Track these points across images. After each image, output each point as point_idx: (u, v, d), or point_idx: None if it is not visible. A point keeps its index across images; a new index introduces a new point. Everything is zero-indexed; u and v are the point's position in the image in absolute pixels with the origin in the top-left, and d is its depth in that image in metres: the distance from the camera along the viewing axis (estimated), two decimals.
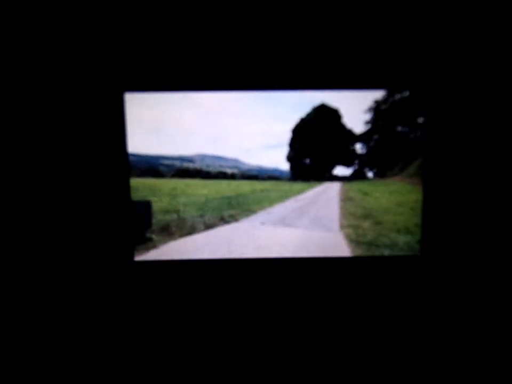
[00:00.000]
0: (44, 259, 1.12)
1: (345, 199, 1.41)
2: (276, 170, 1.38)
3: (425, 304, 1.18)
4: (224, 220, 1.39)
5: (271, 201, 1.52)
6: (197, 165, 1.39)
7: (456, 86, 1.09)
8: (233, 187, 1.43)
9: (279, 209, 1.48)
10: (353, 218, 1.38)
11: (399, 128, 1.22)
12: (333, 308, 1.19)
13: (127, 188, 1.12)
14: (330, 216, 1.41)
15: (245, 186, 1.44)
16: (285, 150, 1.31)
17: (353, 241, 1.31)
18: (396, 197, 1.32)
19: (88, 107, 1.08)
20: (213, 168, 1.40)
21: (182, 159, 1.36)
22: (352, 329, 1.18)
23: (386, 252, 1.25)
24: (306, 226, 1.38)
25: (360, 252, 1.26)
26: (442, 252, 1.16)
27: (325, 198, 1.42)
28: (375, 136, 1.24)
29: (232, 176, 1.43)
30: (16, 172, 1.08)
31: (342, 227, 1.35)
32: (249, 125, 1.32)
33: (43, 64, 1.06)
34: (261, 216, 1.45)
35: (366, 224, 1.34)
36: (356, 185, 1.32)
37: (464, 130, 1.10)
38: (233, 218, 1.40)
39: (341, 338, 1.17)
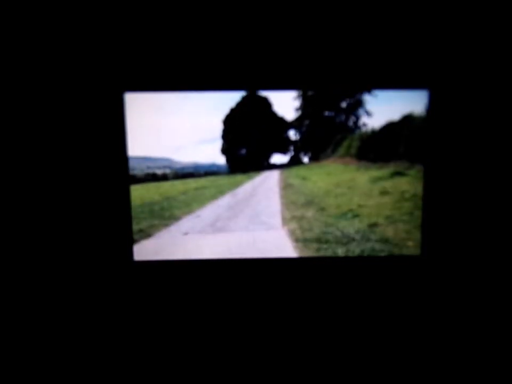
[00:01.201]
0: (43, 259, 1.12)
1: (285, 187, 1.40)
2: (213, 165, 1.32)
3: (426, 305, 1.18)
4: None
5: (203, 201, 1.38)
6: None
7: (457, 86, 1.10)
8: (163, 190, 1.30)
9: (212, 210, 1.33)
10: (296, 207, 1.36)
11: (326, 113, 1.30)
12: (332, 308, 1.19)
13: (126, 187, 1.13)
14: (271, 209, 1.34)
15: (178, 186, 1.33)
16: (220, 143, 1.26)
17: (299, 239, 1.24)
18: (332, 178, 1.40)
19: (88, 107, 1.09)
20: (139, 171, 1.26)
21: None
22: (352, 330, 1.18)
23: (339, 251, 1.21)
24: (242, 227, 1.25)
25: (309, 252, 1.22)
26: (443, 251, 1.15)
27: (265, 188, 1.36)
28: (306, 122, 1.29)
29: (164, 177, 1.31)
30: (16, 172, 1.08)
31: (285, 221, 1.30)
32: (177, 121, 1.23)
33: (43, 64, 1.06)
34: (186, 222, 1.29)
35: (310, 213, 1.32)
36: (294, 171, 1.36)
37: (465, 128, 1.11)
38: (144, 234, 1.20)
39: (341, 339, 1.18)
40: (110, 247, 1.14)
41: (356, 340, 1.20)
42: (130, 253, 1.16)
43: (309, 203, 1.36)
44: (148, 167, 1.31)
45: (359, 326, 1.20)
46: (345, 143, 1.31)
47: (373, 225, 1.29)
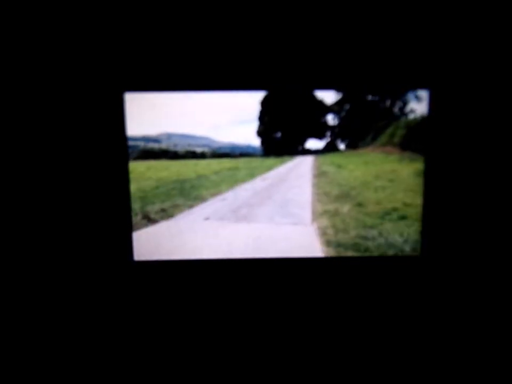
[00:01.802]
0: (42, 259, 1.13)
1: (318, 174, 1.32)
2: (248, 147, 1.35)
3: (426, 306, 1.19)
4: (149, 219, 1.16)
5: (233, 183, 1.34)
6: (163, 145, 1.34)
7: (458, 85, 1.10)
8: (200, 167, 1.34)
9: (239, 193, 1.28)
10: (329, 200, 1.24)
11: (369, 97, 1.23)
12: (332, 308, 1.21)
13: (126, 187, 1.14)
14: (301, 199, 1.24)
15: (213, 165, 1.36)
16: (256, 125, 1.29)
17: (331, 243, 1.14)
18: (371, 168, 1.33)
19: (88, 107, 1.09)
20: (181, 148, 1.36)
21: (146, 139, 1.31)
22: (351, 330, 1.20)
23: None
24: (267, 217, 1.17)
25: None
26: (443, 252, 1.16)
27: (296, 174, 1.28)
28: (346, 106, 1.24)
29: (203, 155, 1.39)
30: (15, 172, 1.09)
31: (316, 216, 1.20)
32: (216, 99, 1.28)
33: (43, 64, 1.07)
34: (210, 205, 1.25)
35: (345, 208, 1.21)
36: (329, 158, 1.33)
37: (466, 128, 1.11)
38: (165, 215, 1.18)
39: (340, 340, 1.20)
40: (110, 246, 1.15)
41: (355, 339, 1.20)
42: (130, 253, 1.16)
43: (344, 195, 1.23)
44: (189, 145, 1.40)
45: (358, 326, 1.20)
46: (388, 131, 1.23)
47: None
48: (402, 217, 1.16)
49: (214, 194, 1.35)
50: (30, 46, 1.05)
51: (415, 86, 1.11)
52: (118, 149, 1.13)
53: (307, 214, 1.21)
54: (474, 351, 1.15)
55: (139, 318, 1.18)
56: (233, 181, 1.39)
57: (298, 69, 1.12)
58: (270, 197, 1.28)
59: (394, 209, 1.18)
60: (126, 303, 1.17)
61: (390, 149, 1.25)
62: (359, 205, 1.22)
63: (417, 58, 1.08)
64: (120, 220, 1.14)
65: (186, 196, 1.31)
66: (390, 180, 1.24)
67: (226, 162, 1.38)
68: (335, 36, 1.09)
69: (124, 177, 1.14)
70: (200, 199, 1.30)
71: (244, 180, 1.37)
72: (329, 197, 1.25)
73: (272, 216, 1.21)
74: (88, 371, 1.14)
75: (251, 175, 1.36)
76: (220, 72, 1.13)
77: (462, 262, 1.16)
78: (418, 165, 1.29)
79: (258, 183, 1.33)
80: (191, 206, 1.26)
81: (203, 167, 1.36)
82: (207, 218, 1.23)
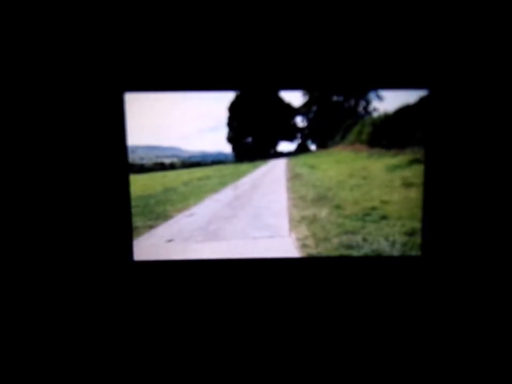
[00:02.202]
0: (42, 259, 1.14)
1: (293, 177, 1.32)
2: (220, 154, 1.33)
3: (426, 306, 1.19)
4: None
5: (203, 194, 1.28)
6: (129, 159, 1.28)
7: (457, 86, 1.10)
8: (168, 179, 1.29)
9: (209, 206, 1.21)
10: (306, 204, 1.21)
11: (335, 98, 1.26)
12: (332, 308, 1.20)
13: (126, 187, 1.15)
14: (276, 206, 1.19)
15: (183, 176, 1.32)
16: (226, 131, 1.27)
17: (313, 255, 1.10)
18: (343, 167, 1.36)
19: (88, 107, 1.10)
20: (148, 160, 1.31)
21: None
22: (352, 330, 1.20)
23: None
24: (240, 231, 1.08)
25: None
26: (444, 252, 1.15)
27: (270, 179, 1.26)
28: (314, 108, 1.26)
29: (172, 166, 1.35)
30: (15, 172, 1.10)
31: (293, 224, 1.15)
32: (183, 109, 1.25)
33: (43, 64, 1.07)
34: (175, 223, 1.17)
35: (323, 212, 1.17)
36: (301, 159, 1.34)
37: (465, 128, 1.12)
38: None
39: (341, 340, 1.19)
40: (109, 246, 1.15)
41: (356, 340, 1.20)
42: (130, 253, 1.17)
43: (321, 198, 1.20)
44: (157, 156, 1.35)
45: (359, 327, 1.21)
46: (355, 129, 1.27)
47: (411, 233, 1.16)
48: (383, 217, 1.14)
49: (180, 210, 1.26)
50: (30, 46, 1.06)
51: (414, 86, 1.11)
52: (118, 149, 1.13)
53: (284, 223, 1.16)
54: (475, 351, 1.16)
55: (139, 317, 1.18)
56: (203, 191, 1.33)
57: (297, 69, 1.13)
58: (243, 207, 1.20)
59: (373, 208, 1.17)
60: (126, 303, 1.17)
61: (358, 147, 1.29)
62: (337, 207, 1.20)
63: (416, 59, 1.09)
64: (120, 220, 1.15)
65: (148, 214, 1.21)
66: (363, 177, 1.26)
67: (197, 172, 1.34)
68: (335, 37, 1.10)
69: (123, 177, 1.14)
70: (163, 217, 1.21)
71: (215, 189, 1.31)
72: (305, 201, 1.22)
73: (246, 229, 1.12)
74: (88, 371, 1.14)
75: (223, 184, 1.31)
76: (219, 72, 1.13)
77: (463, 262, 1.16)
78: (387, 160, 1.33)
79: (230, 192, 1.26)
80: (151, 227, 1.17)
81: (172, 178, 1.31)
82: (170, 241, 1.15)
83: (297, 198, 1.23)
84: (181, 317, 1.20)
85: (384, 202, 1.15)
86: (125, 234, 1.16)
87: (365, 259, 1.20)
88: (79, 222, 1.14)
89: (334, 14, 1.09)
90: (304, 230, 1.15)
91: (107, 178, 1.14)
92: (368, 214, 1.18)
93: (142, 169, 1.27)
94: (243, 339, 1.20)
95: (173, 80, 1.13)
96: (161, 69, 1.11)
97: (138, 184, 1.21)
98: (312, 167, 1.39)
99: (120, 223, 1.15)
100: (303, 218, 1.17)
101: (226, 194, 1.26)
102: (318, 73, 1.13)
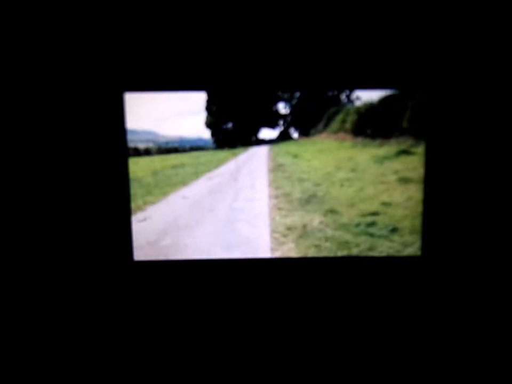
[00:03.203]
0: (42, 259, 1.15)
1: (275, 168, 1.24)
2: (199, 139, 1.29)
3: (426, 306, 1.20)
4: None
5: (169, 187, 1.11)
6: None
7: (455, 86, 1.12)
8: (138, 167, 1.21)
9: (171, 205, 1.02)
10: (291, 206, 1.06)
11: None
12: (332, 309, 1.22)
13: (126, 187, 1.17)
14: (255, 207, 1.03)
15: (156, 163, 1.25)
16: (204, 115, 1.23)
17: None
18: (327, 157, 1.34)
19: (88, 107, 1.12)
20: None
21: None
22: (352, 331, 1.21)
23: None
24: (200, 249, 0.91)
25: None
26: (444, 252, 1.17)
27: (249, 168, 1.14)
28: (296, 94, 1.23)
29: (147, 152, 1.30)
30: (15, 172, 1.11)
31: (276, 239, 1.01)
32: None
33: (43, 64, 1.09)
34: None
35: (316, 219, 1.03)
36: (284, 147, 1.32)
37: (465, 127, 1.13)
38: None
39: (341, 340, 1.21)
40: (109, 246, 1.17)
41: (356, 340, 1.22)
42: (130, 253, 1.19)
43: (309, 197, 1.07)
44: (131, 141, 1.30)
45: (359, 327, 1.22)
46: (339, 117, 1.25)
47: None
48: (393, 229, 1.06)
49: (135, 211, 1.08)
50: (31, 46, 1.07)
51: (413, 87, 1.12)
52: (117, 149, 1.15)
53: (263, 235, 0.96)
54: (475, 351, 1.17)
55: (139, 317, 1.20)
56: (171, 184, 1.15)
57: (297, 69, 1.13)
58: (212, 207, 1.01)
59: (375, 214, 1.07)
60: (126, 303, 1.19)
61: (342, 136, 1.28)
62: (332, 211, 1.06)
63: (415, 59, 1.10)
64: (119, 220, 1.16)
65: None
66: (351, 169, 1.19)
67: (172, 159, 1.30)
68: (334, 37, 1.11)
69: (123, 177, 1.15)
70: None
71: (185, 181, 1.14)
72: (291, 201, 1.05)
73: (209, 246, 0.92)
74: (88, 371, 1.16)
75: (196, 174, 1.16)
76: (219, 72, 1.14)
77: (463, 262, 1.17)
78: (373, 151, 1.33)
79: (201, 185, 1.09)
80: None
81: (142, 166, 1.22)
82: None
83: (280, 196, 1.06)
84: (181, 317, 1.21)
85: (385, 204, 1.04)
86: (125, 234, 1.17)
87: (365, 259, 1.20)
88: (79, 222, 1.15)
89: (334, 14, 1.10)
90: (291, 250, 0.92)
91: (107, 178, 1.15)
92: (372, 224, 1.06)
93: None
94: (242, 339, 1.22)
95: (172, 80, 1.15)
96: (161, 69, 1.13)
97: None
98: (295, 156, 1.37)
99: (120, 223, 1.17)
100: (289, 228, 0.98)
101: (196, 188, 1.11)
102: (317, 74, 1.14)
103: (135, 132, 1.27)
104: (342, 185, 1.13)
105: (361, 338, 1.22)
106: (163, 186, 1.15)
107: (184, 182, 1.15)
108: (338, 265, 1.21)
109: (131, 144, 1.29)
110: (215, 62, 1.13)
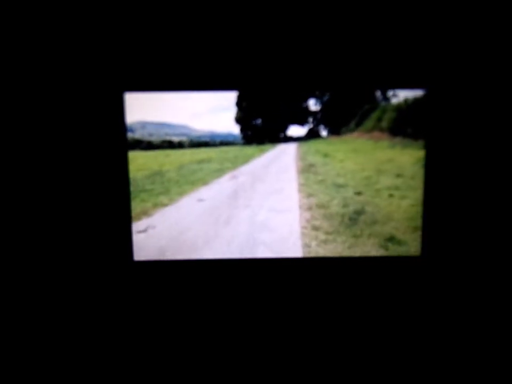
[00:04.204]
0: (42, 259, 1.17)
1: (305, 168, 1.17)
2: (229, 135, 1.34)
3: (426, 306, 1.22)
4: None
5: (189, 186, 1.07)
6: (137, 135, 1.35)
7: (455, 85, 1.11)
8: (169, 159, 1.27)
9: (182, 211, 0.92)
10: (331, 224, 0.89)
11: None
12: (332, 309, 1.23)
13: (126, 187, 1.18)
14: (282, 224, 0.85)
15: (186, 156, 1.30)
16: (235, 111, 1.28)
17: None
18: (363, 158, 1.28)
19: (88, 107, 1.14)
20: (157, 137, 1.36)
21: None
22: (352, 331, 1.22)
23: None
24: None
25: None
26: (444, 251, 1.19)
27: (278, 167, 1.08)
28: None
29: (180, 145, 1.39)
30: (14, 173, 1.14)
31: None
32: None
33: (43, 64, 1.11)
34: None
35: (372, 253, 0.87)
36: (313, 146, 1.30)
37: (464, 127, 1.13)
38: None
39: (340, 340, 1.22)
40: (109, 246, 1.19)
41: (355, 340, 1.22)
42: (130, 253, 1.20)
43: (354, 212, 0.86)
44: (166, 134, 1.40)
45: (359, 327, 1.23)
46: (374, 115, 1.19)
47: None
48: None
49: (139, 215, 1.02)
50: (31, 46, 1.09)
51: (413, 86, 1.12)
52: (117, 149, 1.17)
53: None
54: (475, 351, 1.18)
55: (139, 317, 1.22)
56: (190, 181, 1.12)
57: (296, 69, 1.14)
58: (229, 218, 0.85)
59: None
60: (126, 303, 1.21)
61: (377, 135, 1.21)
62: (392, 240, 0.86)
63: (415, 58, 1.10)
64: (119, 220, 1.18)
65: None
66: (396, 174, 1.07)
67: (201, 153, 1.36)
68: (333, 36, 1.11)
69: (123, 177, 1.18)
70: None
71: (206, 179, 1.07)
72: (330, 216, 0.84)
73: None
74: (88, 371, 1.18)
75: (220, 171, 1.13)
76: (219, 72, 1.16)
77: (463, 262, 1.18)
78: (415, 152, 1.24)
79: (223, 185, 1.01)
80: None
81: (173, 159, 1.29)
82: None
83: (315, 208, 0.88)
84: (181, 317, 1.23)
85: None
86: (125, 234, 1.19)
87: (365, 259, 1.20)
88: (79, 222, 1.17)
89: (335, 14, 1.09)
90: None
91: (107, 178, 1.17)
92: None
93: (149, 146, 1.33)
94: (243, 339, 1.24)
95: (173, 80, 1.16)
96: (161, 69, 1.14)
97: (137, 162, 1.23)
98: (325, 155, 1.34)
99: (120, 223, 1.18)
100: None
101: (217, 188, 1.03)
102: (317, 73, 1.13)
103: (171, 126, 1.37)
104: (390, 195, 1.04)
105: (361, 338, 1.22)
106: (182, 184, 1.11)
107: (205, 180, 1.09)
108: (338, 265, 1.21)
109: (166, 138, 1.39)
110: (216, 62, 1.14)
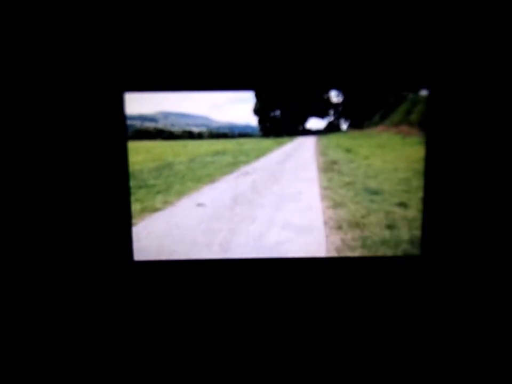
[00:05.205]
0: (42, 259, 1.20)
1: (327, 166, 1.03)
2: (247, 126, 1.35)
3: (426, 306, 1.23)
4: None
5: (194, 183, 0.99)
6: (160, 124, 1.41)
7: (457, 86, 1.12)
8: (185, 150, 1.28)
9: (176, 219, 0.80)
10: (371, 252, 0.75)
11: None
12: (332, 309, 1.24)
13: (126, 187, 1.20)
14: (303, 245, 0.71)
15: (203, 147, 1.31)
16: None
17: None
18: (392, 155, 1.21)
19: (88, 107, 1.16)
20: (178, 127, 1.41)
21: (142, 118, 1.38)
22: (351, 330, 1.23)
23: None
24: None
25: None
26: (444, 251, 1.20)
27: (295, 164, 0.94)
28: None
29: (200, 136, 1.43)
30: (14, 171, 1.17)
31: None
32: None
33: (43, 64, 1.13)
34: None
35: None
36: (333, 140, 1.25)
37: (465, 127, 1.13)
38: None
39: (340, 340, 1.23)
40: (109, 246, 1.20)
41: (355, 340, 1.23)
42: (130, 253, 1.22)
43: (411, 243, 0.70)
44: (187, 124, 1.44)
45: (358, 327, 1.23)
46: (402, 108, 1.11)
47: None
48: None
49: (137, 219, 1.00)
50: (31, 46, 1.12)
51: (414, 86, 1.12)
52: (118, 149, 1.19)
53: None
54: (475, 351, 1.19)
55: (139, 317, 1.24)
56: (197, 177, 1.02)
57: (298, 68, 1.13)
58: (229, 237, 0.71)
59: None
60: (126, 303, 1.23)
61: (405, 129, 1.13)
62: None
63: (417, 58, 1.10)
64: (119, 220, 1.21)
65: None
66: None
67: (217, 144, 1.37)
68: (336, 35, 1.10)
69: (123, 177, 1.20)
70: None
71: (214, 175, 0.94)
72: (371, 242, 0.71)
73: None
74: (88, 371, 1.21)
75: (233, 165, 1.01)
76: (219, 72, 1.17)
77: (463, 261, 1.20)
78: None
79: (231, 184, 0.87)
80: None
81: (188, 150, 1.30)
82: None
83: (347, 228, 0.71)
84: (181, 317, 1.25)
85: None
86: (125, 235, 1.21)
87: (364, 259, 1.20)
88: (79, 222, 1.19)
89: (336, 14, 1.09)
90: None
91: (107, 178, 1.18)
92: None
93: (170, 136, 1.39)
94: (243, 339, 1.25)
95: (173, 80, 1.17)
96: (161, 69, 1.16)
97: (155, 152, 1.25)
98: (348, 150, 1.28)
99: (120, 223, 1.20)
100: None
101: (223, 187, 0.90)
102: (318, 72, 1.13)
103: (192, 116, 1.41)
104: None
105: (361, 337, 1.23)
106: (187, 180, 1.01)
107: (213, 177, 0.97)
108: (338, 265, 1.22)
109: (186, 128, 1.44)
110: (216, 62, 1.14)
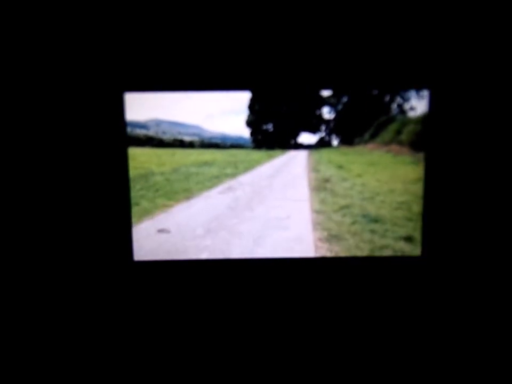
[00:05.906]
0: (42, 259, 1.21)
1: (320, 185, 1.00)
2: (240, 138, 1.36)
3: (426, 306, 1.24)
4: None
5: (166, 199, 0.89)
6: (151, 132, 1.42)
7: (458, 86, 1.12)
8: (173, 158, 1.28)
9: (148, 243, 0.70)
10: None
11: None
12: (332, 309, 1.24)
13: (126, 187, 1.22)
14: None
15: (191, 156, 1.32)
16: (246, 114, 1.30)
17: None
18: (385, 174, 1.22)
19: (88, 107, 1.17)
20: (170, 136, 1.42)
21: (133, 125, 1.39)
22: (352, 331, 1.23)
23: None
24: None
25: None
26: (444, 251, 1.21)
27: (285, 180, 0.89)
28: (344, 99, 1.18)
29: (191, 145, 1.44)
30: (14, 172, 1.18)
31: None
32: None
33: (43, 64, 1.15)
34: None
35: None
36: (325, 155, 1.27)
37: (466, 128, 1.14)
38: None
39: (341, 340, 1.23)
40: (109, 246, 1.21)
41: (356, 340, 1.23)
42: (130, 253, 1.23)
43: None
44: (179, 133, 1.46)
45: (359, 327, 1.24)
46: (392, 127, 1.13)
47: None
48: None
49: None
50: (31, 46, 1.14)
51: (415, 86, 1.13)
52: (117, 150, 1.20)
53: None
54: (475, 351, 1.20)
55: (139, 318, 1.25)
56: (175, 190, 0.91)
57: (298, 68, 1.15)
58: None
59: None
60: (126, 303, 1.24)
61: (396, 148, 1.15)
62: None
63: (417, 59, 1.11)
64: (119, 220, 1.22)
65: None
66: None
67: (207, 154, 1.38)
68: (336, 35, 1.12)
69: (123, 177, 1.21)
70: None
71: (192, 191, 0.82)
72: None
73: None
74: (88, 371, 1.22)
75: (216, 178, 0.95)
76: (219, 72, 1.18)
77: (463, 262, 1.21)
78: None
79: (210, 202, 0.76)
80: None
81: (176, 159, 1.30)
82: None
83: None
84: (181, 318, 1.26)
85: None
86: (125, 235, 1.22)
87: (365, 259, 1.21)
88: (79, 222, 1.20)
89: (337, 14, 1.09)
90: None
91: (107, 178, 1.20)
92: None
93: (160, 143, 1.40)
94: (243, 339, 1.25)
95: (173, 80, 1.19)
96: (161, 69, 1.17)
97: (139, 160, 1.25)
98: (340, 167, 1.30)
99: (120, 223, 1.21)
100: None
101: (197, 208, 0.75)
102: (318, 72, 1.14)
103: (184, 125, 1.42)
104: None
105: (362, 337, 1.23)
106: (159, 196, 0.89)
107: (190, 192, 0.84)
108: (338, 265, 1.23)
109: (178, 136, 1.45)
110: (216, 62, 1.16)
